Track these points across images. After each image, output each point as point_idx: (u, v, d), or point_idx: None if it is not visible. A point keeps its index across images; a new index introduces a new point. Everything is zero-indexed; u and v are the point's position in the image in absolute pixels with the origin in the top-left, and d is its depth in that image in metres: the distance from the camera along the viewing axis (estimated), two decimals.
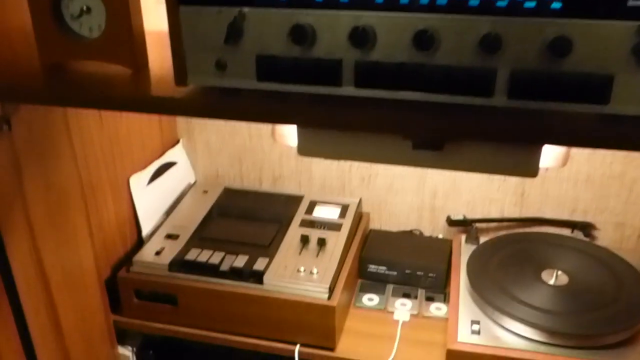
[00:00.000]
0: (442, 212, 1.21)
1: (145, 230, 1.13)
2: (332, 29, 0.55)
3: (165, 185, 1.19)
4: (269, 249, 1.05)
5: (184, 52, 0.60)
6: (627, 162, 1.08)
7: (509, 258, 1.04)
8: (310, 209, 1.15)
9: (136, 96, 0.66)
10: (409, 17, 0.53)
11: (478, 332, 0.91)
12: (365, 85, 0.56)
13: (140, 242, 1.12)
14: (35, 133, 0.83)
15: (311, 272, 0.98)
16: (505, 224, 1.20)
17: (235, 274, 1.00)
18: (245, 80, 0.59)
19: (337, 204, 1.16)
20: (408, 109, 0.55)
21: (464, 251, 1.11)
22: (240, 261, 1.01)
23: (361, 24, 0.54)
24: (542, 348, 0.88)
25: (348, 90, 0.57)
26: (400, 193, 1.21)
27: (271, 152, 1.24)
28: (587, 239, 1.12)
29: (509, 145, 0.62)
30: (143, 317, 1.04)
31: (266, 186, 1.28)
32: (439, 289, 1.11)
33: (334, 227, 1.10)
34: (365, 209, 1.22)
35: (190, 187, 1.25)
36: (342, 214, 1.13)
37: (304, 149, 0.71)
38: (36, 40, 0.71)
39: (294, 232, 1.08)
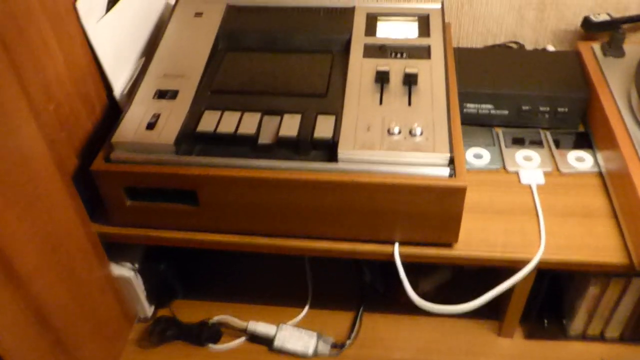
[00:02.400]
0: (556, 10, 0.82)
1: (118, 88, 0.71)
2: None
3: (131, 9, 0.75)
4: (328, 99, 0.66)
5: None
6: None
7: None
8: (371, 27, 0.74)
9: None
10: None
11: None
12: None
13: (114, 108, 0.72)
14: None
15: (412, 133, 0.60)
16: (632, 25, 0.82)
17: (285, 147, 0.61)
18: None
19: (409, 15, 0.75)
20: None
21: (606, 67, 0.75)
22: (289, 126, 0.62)
23: None
24: None
25: None
26: None
27: None
28: None
29: None
30: (143, 224, 0.67)
31: None
32: (571, 128, 0.76)
33: (419, 52, 0.70)
34: None
35: (170, 10, 0.81)
36: (424, 31, 0.73)
37: None
38: None
39: (359, 66, 0.68)
